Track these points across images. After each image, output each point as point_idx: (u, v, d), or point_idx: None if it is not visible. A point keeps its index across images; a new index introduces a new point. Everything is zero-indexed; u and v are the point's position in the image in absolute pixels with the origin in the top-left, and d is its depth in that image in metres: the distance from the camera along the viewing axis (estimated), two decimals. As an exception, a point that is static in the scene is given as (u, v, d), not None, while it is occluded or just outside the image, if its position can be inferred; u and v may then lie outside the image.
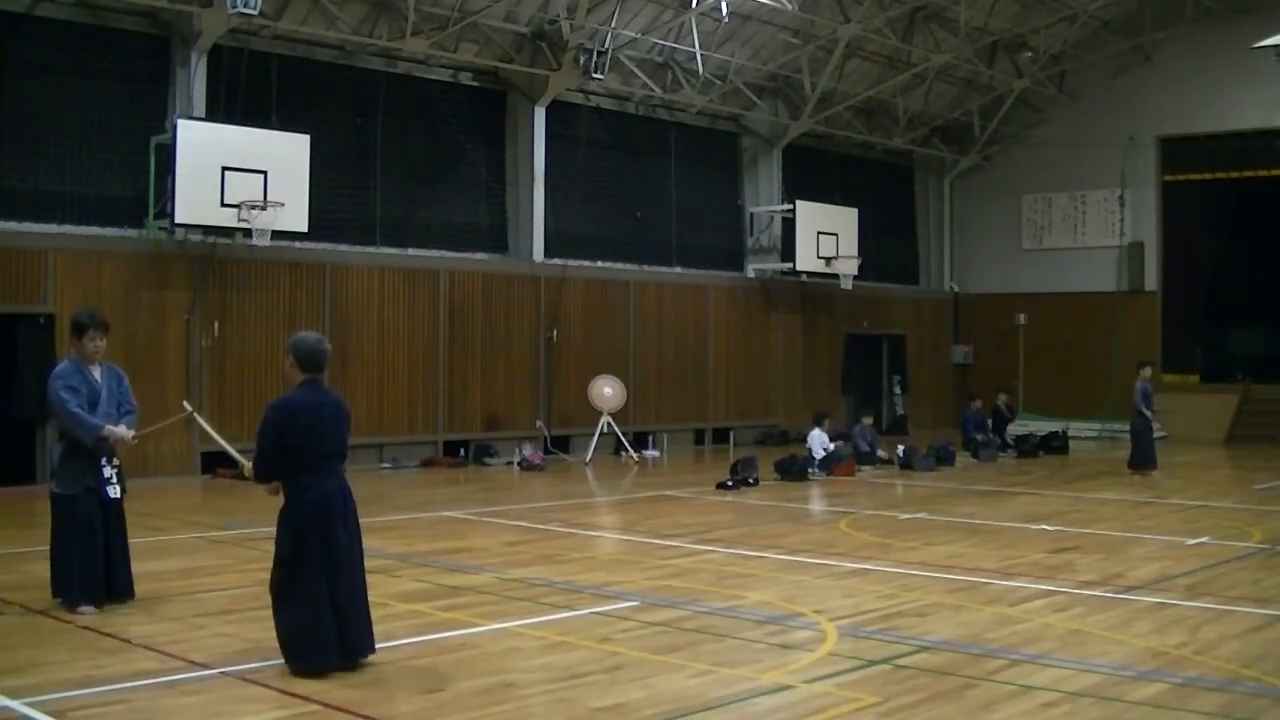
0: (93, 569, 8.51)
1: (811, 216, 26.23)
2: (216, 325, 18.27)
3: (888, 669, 7.13)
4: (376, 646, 7.16)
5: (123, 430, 8.67)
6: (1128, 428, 27.21)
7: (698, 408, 25.36)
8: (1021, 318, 29.88)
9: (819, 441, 19.42)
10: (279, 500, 7.17)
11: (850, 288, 27.15)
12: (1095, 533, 12.92)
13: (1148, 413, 19.59)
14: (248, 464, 7.40)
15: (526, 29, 21.81)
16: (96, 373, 8.72)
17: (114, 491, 8.69)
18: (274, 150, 18.15)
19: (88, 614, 8.33)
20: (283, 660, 6.98)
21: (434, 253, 21.43)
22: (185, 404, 10.18)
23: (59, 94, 17.39)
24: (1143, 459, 19.73)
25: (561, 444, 22.45)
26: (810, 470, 18.78)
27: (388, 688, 6.65)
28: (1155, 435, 27.88)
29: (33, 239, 16.85)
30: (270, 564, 7.22)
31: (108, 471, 8.65)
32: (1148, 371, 20.00)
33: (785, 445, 23.92)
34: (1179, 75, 28.13)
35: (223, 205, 17.57)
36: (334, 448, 7.14)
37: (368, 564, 10.41)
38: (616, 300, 23.87)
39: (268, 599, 9.07)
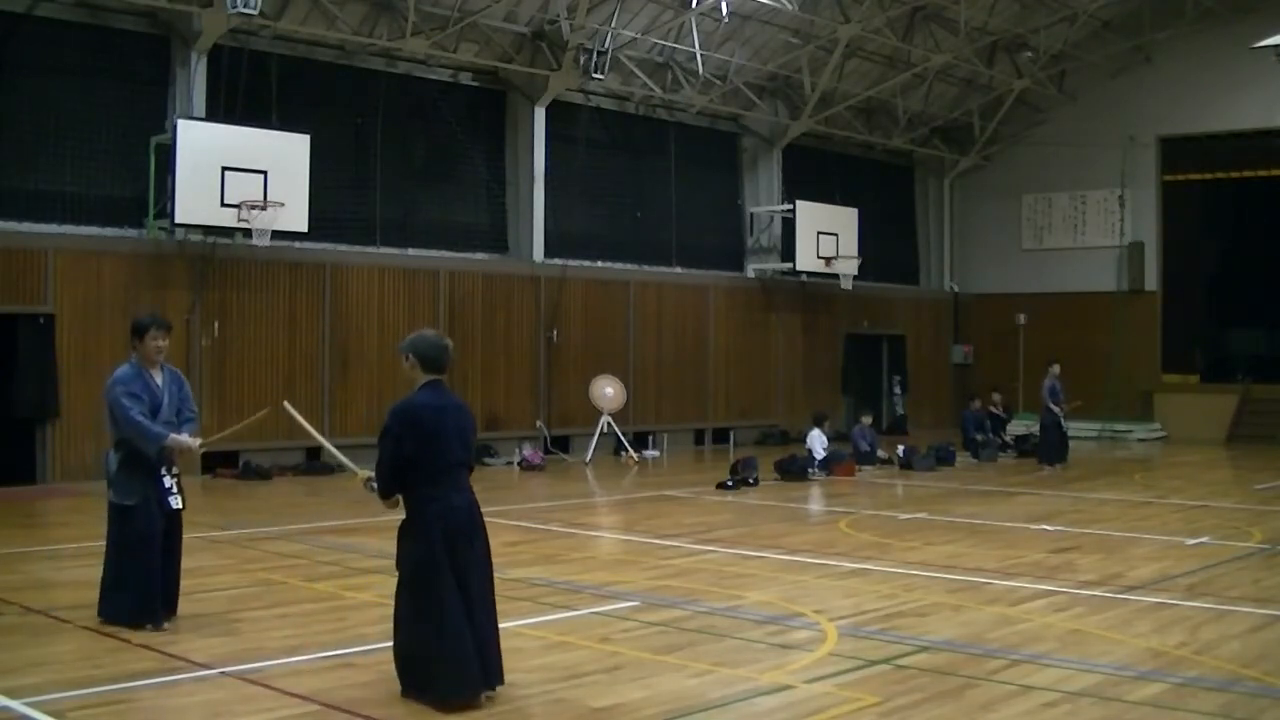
0: (153, 585, 8.00)
1: (811, 216, 26.22)
2: (216, 325, 18.27)
3: (888, 669, 7.13)
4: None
5: (186, 439, 8.21)
6: (1127, 428, 27.50)
7: (698, 408, 25.35)
8: (1021, 318, 29.85)
9: (819, 441, 19.42)
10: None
11: (850, 288, 27.15)
12: (1095, 533, 12.92)
13: (1055, 408, 20.48)
14: (361, 473, 6.79)
15: (526, 29, 21.80)
16: (158, 377, 8.26)
17: (176, 502, 8.22)
18: (274, 150, 18.15)
19: (149, 631, 7.86)
20: (401, 687, 6.47)
21: (434, 253, 21.42)
22: (286, 404, 8.66)
23: (59, 94, 17.38)
24: (1050, 453, 20.59)
25: (561, 444, 22.45)
26: (810, 470, 18.78)
27: (388, 688, 6.63)
28: (1155, 435, 27.99)
29: (33, 239, 16.84)
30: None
31: (168, 481, 8.19)
32: (1056, 369, 21.00)
33: (785, 445, 23.92)
34: (1179, 75, 28.10)
35: (223, 205, 17.56)
36: (458, 456, 6.56)
37: (371, 564, 10.50)
38: (616, 300, 23.87)
39: (268, 599, 9.16)
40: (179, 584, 8.36)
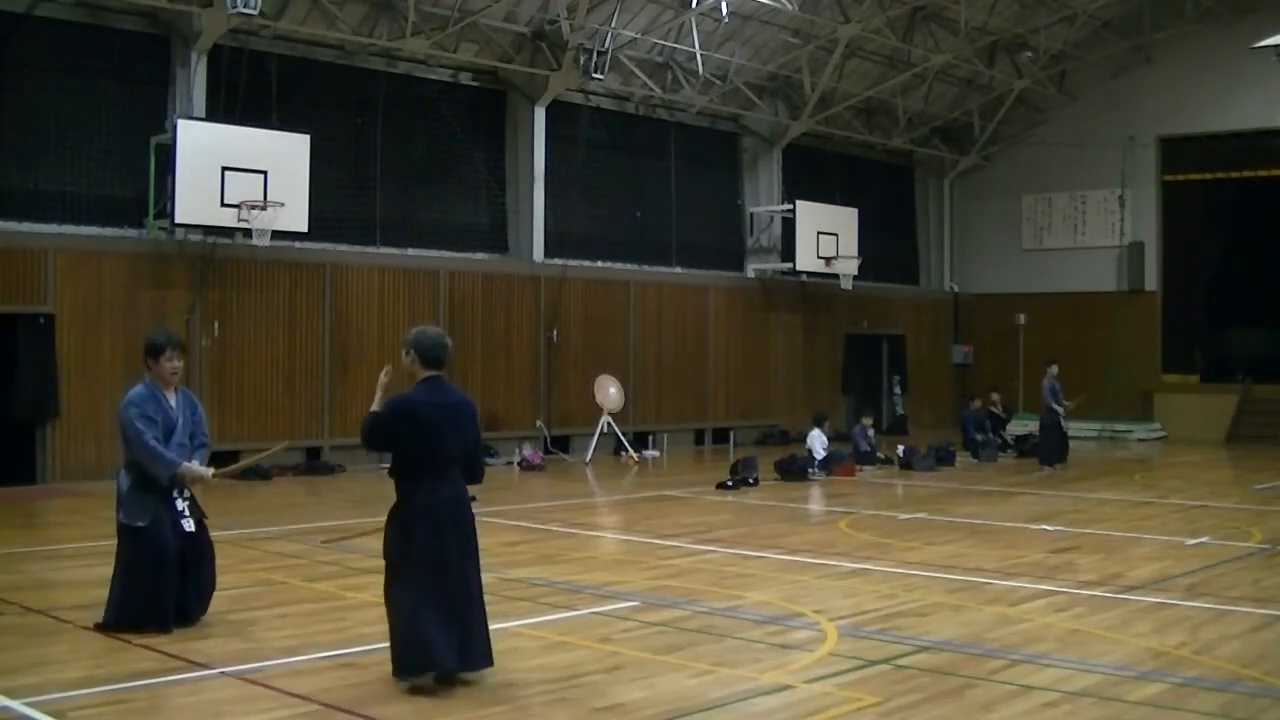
0: (162, 598, 7.89)
1: (811, 216, 26.22)
2: (216, 325, 18.26)
3: (888, 669, 7.13)
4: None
5: (200, 469, 8.16)
6: (1127, 428, 27.50)
7: (698, 408, 25.35)
8: (1021, 318, 29.85)
9: (819, 441, 19.42)
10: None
11: (850, 288, 27.15)
12: (1095, 533, 12.92)
13: (1056, 408, 20.58)
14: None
15: (526, 29, 21.80)
16: (172, 399, 8.18)
17: (189, 525, 8.12)
18: (274, 150, 18.14)
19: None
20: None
21: (434, 253, 21.41)
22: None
23: (59, 94, 17.38)
24: (1050, 453, 20.63)
25: (561, 444, 22.44)
26: (810, 470, 18.78)
27: (388, 687, 6.64)
28: (1155, 435, 27.97)
29: (33, 239, 16.84)
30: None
31: (180, 505, 8.09)
32: (1055, 369, 21.11)
33: (785, 445, 23.91)
34: (1179, 75, 28.11)
35: (223, 205, 17.55)
36: (454, 451, 6.78)
37: (368, 565, 10.48)
38: (616, 300, 23.86)
39: (268, 599, 9.19)
40: (211, 593, 8.31)
